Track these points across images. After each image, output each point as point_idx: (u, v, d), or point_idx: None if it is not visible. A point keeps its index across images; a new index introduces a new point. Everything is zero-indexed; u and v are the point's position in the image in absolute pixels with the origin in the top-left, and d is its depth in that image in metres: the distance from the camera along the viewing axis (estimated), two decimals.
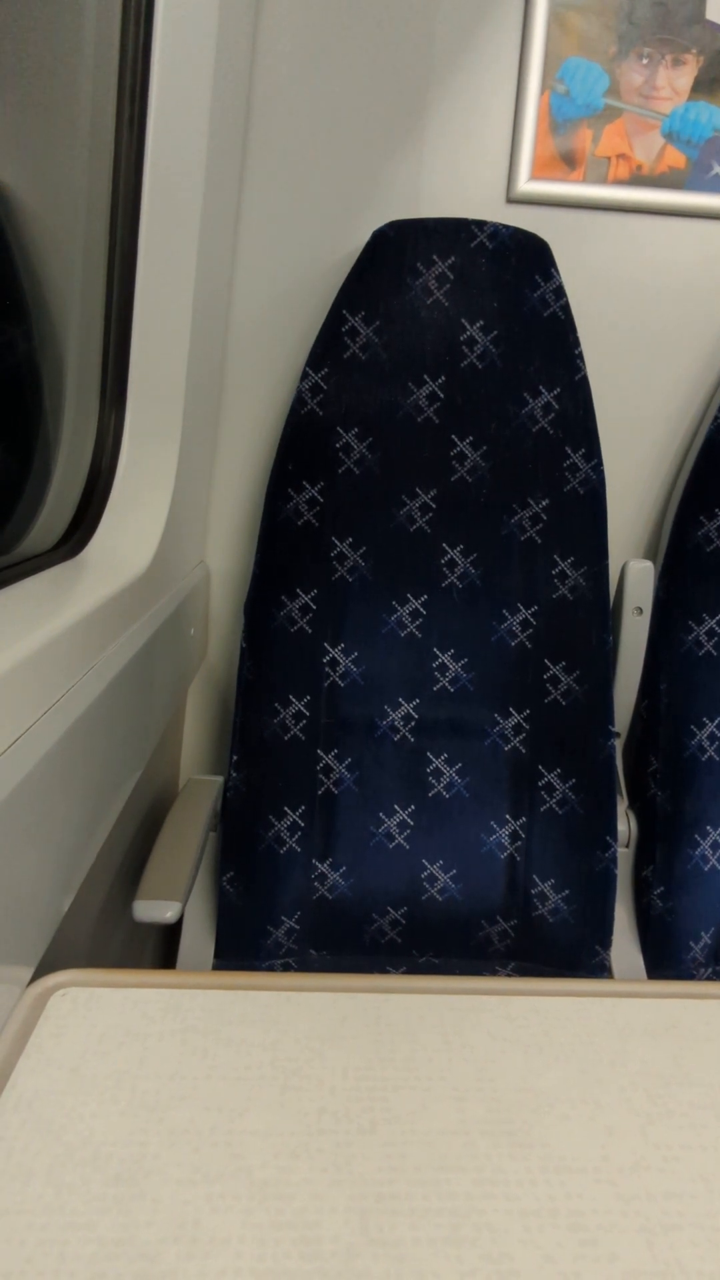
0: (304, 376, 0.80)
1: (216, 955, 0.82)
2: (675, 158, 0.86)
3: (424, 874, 0.83)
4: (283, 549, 0.82)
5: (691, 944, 0.86)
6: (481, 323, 0.80)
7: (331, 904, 0.83)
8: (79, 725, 0.49)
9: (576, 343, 0.81)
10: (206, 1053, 0.40)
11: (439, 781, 0.84)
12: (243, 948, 0.82)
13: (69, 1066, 0.38)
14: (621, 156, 0.86)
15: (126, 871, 0.78)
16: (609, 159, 0.86)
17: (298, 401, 0.80)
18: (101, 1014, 0.42)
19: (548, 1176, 0.34)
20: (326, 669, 0.83)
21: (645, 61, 0.83)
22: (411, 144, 0.85)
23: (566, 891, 0.83)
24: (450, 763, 0.84)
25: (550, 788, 0.84)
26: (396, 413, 0.81)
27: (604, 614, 0.83)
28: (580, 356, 0.81)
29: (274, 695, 0.83)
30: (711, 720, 0.87)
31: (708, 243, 0.89)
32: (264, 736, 0.83)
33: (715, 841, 0.87)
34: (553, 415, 0.81)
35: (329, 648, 0.83)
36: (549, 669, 0.84)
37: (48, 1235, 0.31)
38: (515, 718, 0.84)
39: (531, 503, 0.82)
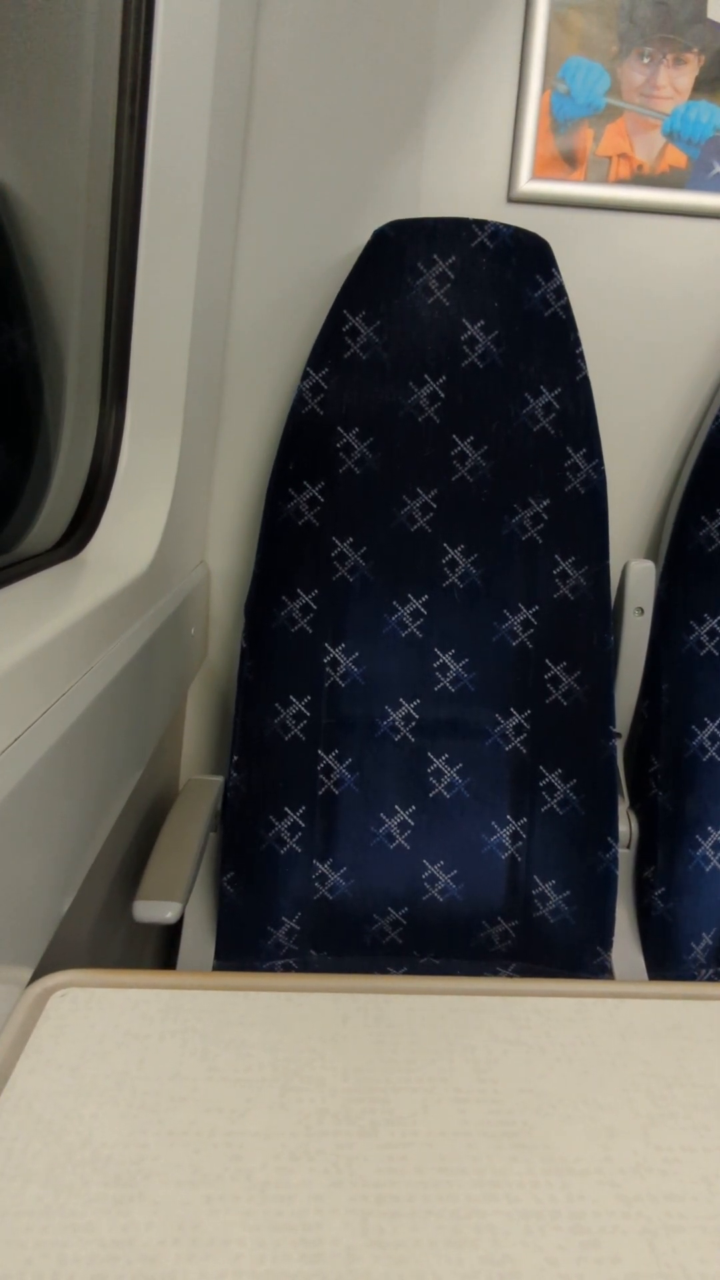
0: (305, 376, 0.80)
1: (217, 956, 0.82)
2: (676, 157, 0.86)
3: (425, 874, 0.83)
4: (283, 549, 0.82)
5: (693, 945, 0.86)
6: (482, 322, 0.80)
7: (332, 904, 0.83)
8: (79, 725, 0.49)
9: (577, 342, 0.81)
10: (206, 1054, 0.40)
11: (440, 782, 0.84)
12: (243, 948, 0.82)
13: (69, 1067, 0.38)
14: (622, 156, 0.86)
15: (127, 872, 0.78)
16: (610, 158, 0.86)
17: (298, 401, 0.80)
18: (101, 1015, 0.42)
19: (549, 1178, 0.34)
20: (327, 669, 0.83)
21: (646, 61, 0.83)
22: (412, 144, 0.85)
23: (567, 892, 0.83)
24: (451, 763, 0.84)
25: (551, 788, 0.84)
26: (397, 412, 0.81)
27: (605, 614, 0.83)
28: (581, 356, 0.81)
29: (274, 695, 0.83)
30: (713, 720, 0.87)
31: (709, 242, 0.89)
32: (264, 737, 0.83)
33: (716, 842, 0.87)
34: (554, 415, 0.81)
35: (330, 648, 0.83)
36: (550, 669, 0.83)
37: (47, 1237, 0.30)
38: (516, 718, 0.84)
39: (532, 502, 0.82)
